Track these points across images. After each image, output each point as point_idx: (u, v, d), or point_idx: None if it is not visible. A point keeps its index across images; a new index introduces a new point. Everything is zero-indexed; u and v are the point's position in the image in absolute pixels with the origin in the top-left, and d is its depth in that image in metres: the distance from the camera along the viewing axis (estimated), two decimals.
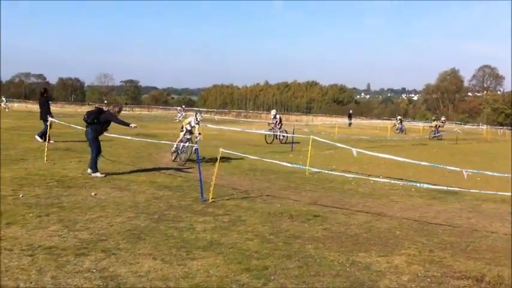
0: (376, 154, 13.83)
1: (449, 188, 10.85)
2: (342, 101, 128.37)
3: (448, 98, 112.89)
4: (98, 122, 11.82)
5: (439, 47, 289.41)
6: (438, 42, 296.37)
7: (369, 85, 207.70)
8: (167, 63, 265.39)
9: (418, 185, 11.17)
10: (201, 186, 9.91)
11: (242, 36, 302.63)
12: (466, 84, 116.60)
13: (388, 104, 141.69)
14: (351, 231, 7.94)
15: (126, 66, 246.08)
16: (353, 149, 13.70)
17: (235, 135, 27.48)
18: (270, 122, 25.92)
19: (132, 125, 12.10)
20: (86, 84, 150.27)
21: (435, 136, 37.46)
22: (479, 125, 66.50)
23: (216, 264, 5.90)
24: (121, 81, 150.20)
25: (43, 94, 19.73)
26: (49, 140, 17.81)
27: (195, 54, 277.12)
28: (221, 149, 10.10)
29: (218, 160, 10.13)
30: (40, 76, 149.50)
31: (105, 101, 64.86)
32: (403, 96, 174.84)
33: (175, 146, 15.31)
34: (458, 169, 12.17)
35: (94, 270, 5.45)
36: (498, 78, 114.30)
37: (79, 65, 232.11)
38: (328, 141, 15.83)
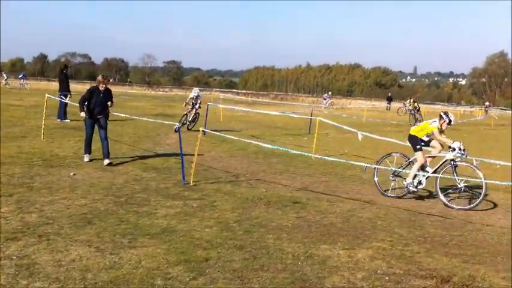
0: (383, 138, 13.11)
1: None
2: (384, 84, 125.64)
3: (495, 82, 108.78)
4: None
5: (491, 29, 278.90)
6: (489, 23, 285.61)
7: (415, 68, 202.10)
8: (212, 44, 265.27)
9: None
10: (183, 169, 9.45)
11: (287, 16, 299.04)
12: None
13: (433, 88, 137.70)
14: (327, 221, 7.35)
15: (170, 47, 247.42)
16: (358, 133, 13.08)
17: (258, 117, 26.90)
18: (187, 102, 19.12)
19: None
20: (129, 65, 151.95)
21: None
22: None
23: (154, 254, 5.44)
24: (164, 62, 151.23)
25: (62, 70, 19.75)
26: (65, 117, 17.74)
27: (241, 36, 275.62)
28: (201, 129, 9.55)
29: (198, 141, 9.57)
30: (85, 56, 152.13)
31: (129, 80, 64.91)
32: (450, 80, 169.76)
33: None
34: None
35: (14, 257, 5.07)
36: None
37: (124, 45, 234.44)
38: (336, 124, 15.14)
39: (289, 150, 11.61)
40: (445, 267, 5.66)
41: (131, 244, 5.73)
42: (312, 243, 6.24)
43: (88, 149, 10.85)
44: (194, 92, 18.95)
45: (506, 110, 64.75)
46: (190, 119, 18.49)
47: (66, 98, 18.39)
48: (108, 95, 10.71)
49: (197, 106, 18.46)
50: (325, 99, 53.34)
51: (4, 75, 56.11)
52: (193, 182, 9.24)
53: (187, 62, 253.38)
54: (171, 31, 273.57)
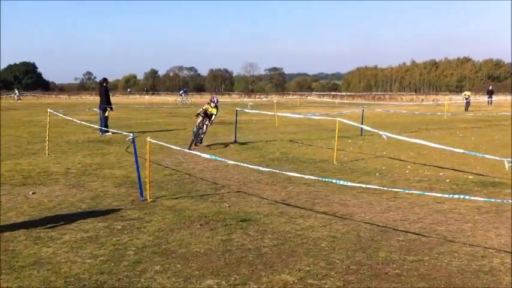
0: (405, 138, 11.40)
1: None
2: (497, 77, 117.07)
3: None
4: None
5: None
6: None
7: None
8: (319, 49, 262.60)
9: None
10: (140, 184, 8.52)
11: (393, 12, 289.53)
12: None
13: None
14: (256, 244, 6.07)
15: (273, 55, 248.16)
16: (382, 133, 11.52)
17: (319, 121, 25.39)
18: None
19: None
20: (233, 74, 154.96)
21: None
22: None
23: None
24: (265, 70, 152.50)
25: (102, 84, 19.73)
26: (106, 131, 17.57)
27: (347, 39, 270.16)
28: (149, 139, 8.53)
29: (148, 152, 8.55)
30: (192, 69, 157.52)
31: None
32: None
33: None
34: (497, 158, 9.60)
35: None
36: None
37: (227, 57, 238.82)
38: (355, 124, 13.60)
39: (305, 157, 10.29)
40: None
41: None
42: (200, 277, 5.05)
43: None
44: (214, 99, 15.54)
45: None
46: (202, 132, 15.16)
47: (106, 111, 18.29)
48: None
49: (211, 118, 15.15)
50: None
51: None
52: (150, 198, 8.30)
53: (292, 68, 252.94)
54: (278, 40, 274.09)
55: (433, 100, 59.79)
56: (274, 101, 36.30)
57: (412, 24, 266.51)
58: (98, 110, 18.81)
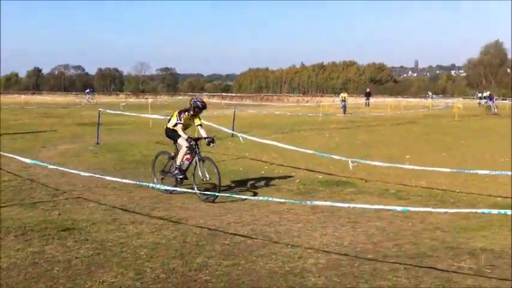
0: (260, 140, 11.50)
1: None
2: (379, 80, 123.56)
3: (490, 72, 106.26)
4: None
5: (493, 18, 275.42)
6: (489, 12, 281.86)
7: (416, 62, 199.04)
8: (215, 50, 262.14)
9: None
10: None
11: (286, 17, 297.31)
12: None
13: (432, 81, 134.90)
14: (67, 256, 5.66)
15: (166, 56, 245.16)
16: (240, 135, 11.53)
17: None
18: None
19: None
20: (124, 74, 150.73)
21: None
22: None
23: None
24: (156, 70, 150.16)
25: None
26: None
27: (244, 40, 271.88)
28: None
29: None
30: (79, 67, 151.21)
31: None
32: (453, 72, 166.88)
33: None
34: (343, 158, 9.87)
35: None
36: None
37: (118, 55, 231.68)
38: (224, 129, 13.57)
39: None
40: None
41: None
42: None
43: None
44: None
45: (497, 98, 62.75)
46: None
47: None
48: None
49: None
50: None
51: None
52: None
53: (188, 68, 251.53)
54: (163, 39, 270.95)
55: (317, 102, 61.70)
56: (149, 102, 35.65)
57: (306, 27, 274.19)
58: None
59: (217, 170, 8.55)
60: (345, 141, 17.47)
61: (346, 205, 7.07)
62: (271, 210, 7.90)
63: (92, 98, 56.61)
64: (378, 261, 5.65)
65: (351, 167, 10.11)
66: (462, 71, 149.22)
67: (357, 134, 20.30)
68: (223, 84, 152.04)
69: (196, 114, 9.14)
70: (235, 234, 6.58)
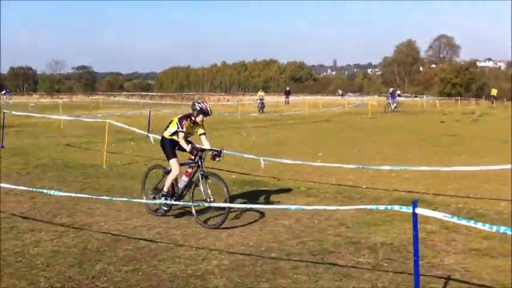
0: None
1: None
2: (299, 78, 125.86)
3: (404, 70, 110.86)
4: None
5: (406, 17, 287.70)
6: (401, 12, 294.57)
7: (335, 61, 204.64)
8: (134, 47, 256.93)
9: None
10: None
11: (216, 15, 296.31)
12: (423, 55, 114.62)
13: (349, 80, 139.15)
14: None
15: (83, 52, 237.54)
16: (149, 135, 11.28)
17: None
18: None
19: None
20: (38, 73, 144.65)
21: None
22: (423, 97, 64.48)
23: None
24: (72, 68, 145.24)
25: None
26: None
27: (163, 37, 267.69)
28: None
29: None
30: None
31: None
32: (369, 71, 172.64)
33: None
34: (254, 157, 9.90)
35: None
36: (454, 48, 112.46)
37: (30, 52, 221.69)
38: (125, 126, 13.32)
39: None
40: None
41: None
42: None
43: None
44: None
45: (410, 96, 65.79)
46: None
47: None
48: None
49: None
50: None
51: None
52: None
53: (106, 66, 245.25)
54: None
55: (238, 101, 61.97)
56: (60, 102, 34.48)
57: (233, 25, 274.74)
58: None
59: (227, 188, 7.05)
60: (261, 140, 17.60)
61: (259, 206, 7.09)
62: (180, 212, 7.80)
63: (10, 98, 54.27)
64: (281, 259, 5.70)
65: (262, 165, 10.18)
66: (378, 70, 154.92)
67: (273, 133, 20.54)
68: (143, 83, 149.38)
69: (199, 122, 7.55)
70: (139, 239, 6.44)
